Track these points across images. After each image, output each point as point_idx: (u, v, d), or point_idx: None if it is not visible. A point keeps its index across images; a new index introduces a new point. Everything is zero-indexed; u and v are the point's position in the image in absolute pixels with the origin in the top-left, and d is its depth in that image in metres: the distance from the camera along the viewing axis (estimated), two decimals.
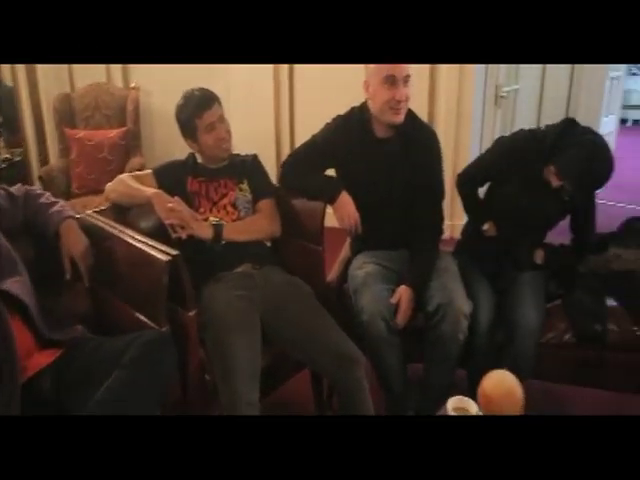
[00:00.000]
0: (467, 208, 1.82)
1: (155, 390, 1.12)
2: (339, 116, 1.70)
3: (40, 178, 2.98)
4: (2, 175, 2.96)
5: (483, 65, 3.03)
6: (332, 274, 1.82)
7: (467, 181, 1.79)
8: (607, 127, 4.17)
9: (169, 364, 1.16)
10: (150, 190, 1.57)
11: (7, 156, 3.05)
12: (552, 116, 4.05)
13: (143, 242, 1.31)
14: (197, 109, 1.58)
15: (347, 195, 1.62)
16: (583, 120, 4.03)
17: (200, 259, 1.60)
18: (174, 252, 1.25)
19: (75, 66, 3.29)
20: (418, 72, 2.85)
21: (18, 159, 3.15)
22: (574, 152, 1.52)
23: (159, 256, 1.23)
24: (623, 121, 7.49)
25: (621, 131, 5.50)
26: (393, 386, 1.62)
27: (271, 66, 3.16)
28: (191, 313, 1.31)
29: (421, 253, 1.67)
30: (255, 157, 1.76)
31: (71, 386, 1.15)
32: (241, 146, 3.26)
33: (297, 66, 3.15)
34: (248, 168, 1.72)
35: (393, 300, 1.57)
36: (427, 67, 2.93)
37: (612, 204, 4.06)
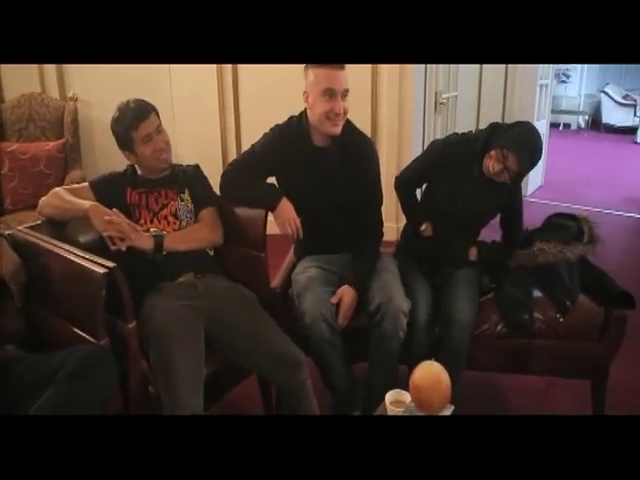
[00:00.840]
0: (405, 210, 1.91)
1: (92, 405, 1.11)
2: (277, 125, 1.74)
3: None
4: None
5: (422, 73, 3.17)
6: (277, 279, 1.85)
7: (404, 183, 1.87)
8: (539, 130, 4.44)
9: (107, 378, 1.15)
10: (86, 203, 1.55)
11: None
12: (490, 121, 4.28)
13: (79, 256, 1.30)
14: (133, 121, 1.57)
15: (287, 202, 1.66)
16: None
17: (141, 270, 1.59)
18: (110, 264, 1.24)
19: (5, 76, 3.16)
20: (361, 80, 2.96)
21: None
22: (515, 130, 1.64)
23: (95, 269, 1.22)
24: (556, 125, 8.01)
25: (553, 134, 5.87)
26: (338, 386, 1.67)
27: (214, 67, 3.15)
28: (130, 325, 1.30)
29: (362, 255, 1.74)
30: (197, 167, 1.77)
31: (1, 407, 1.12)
32: (187, 152, 3.25)
33: (241, 69, 3.16)
34: (189, 178, 1.73)
35: (334, 300, 1.62)
36: (369, 76, 3.02)
37: (544, 202, 4.33)
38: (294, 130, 1.70)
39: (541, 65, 4.15)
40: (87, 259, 1.27)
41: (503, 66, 4.10)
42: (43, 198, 1.63)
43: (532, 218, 1.97)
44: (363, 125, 2.99)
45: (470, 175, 1.71)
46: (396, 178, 1.88)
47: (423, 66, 3.15)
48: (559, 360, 1.69)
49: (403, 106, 3.07)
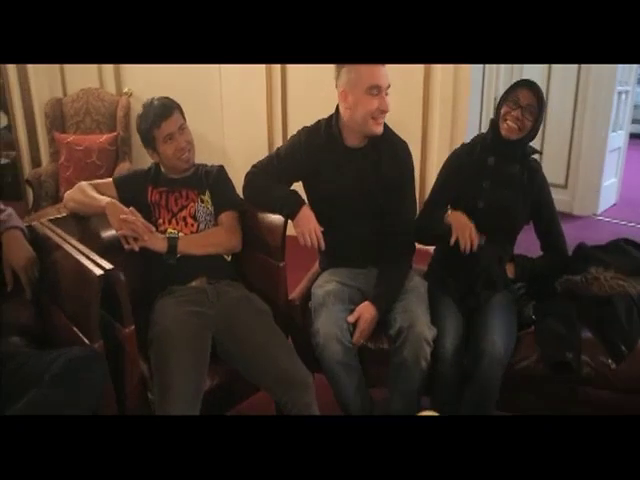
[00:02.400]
0: (433, 240, 1.74)
1: (75, 410, 1.07)
2: (305, 128, 1.65)
3: (27, 182, 2.98)
4: None
5: (480, 76, 2.96)
6: (297, 290, 1.75)
7: (424, 224, 1.67)
8: (615, 142, 4.04)
9: (94, 383, 1.10)
10: (105, 199, 1.53)
11: None
12: (558, 131, 3.94)
13: (83, 254, 1.27)
14: (155, 119, 1.54)
15: (308, 210, 1.56)
16: (589, 135, 3.89)
17: (154, 271, 1.56)
18: (108, 266, 1.20)
19: (68, 71, 3.31)
20: (412, 78, 2.79)
21: (5, 162, 3.16)
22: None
23: (93, 269, 1.18)
24: (637, 136, 7.30)
25: (632, 146, 5.34)
26: (350, 410, 1.54)
27: (264, 69, 3.12)
28: (128, 329, 1.25)
29: (389, 271, 1.60)
30: (220, 168, 1.71)
31: None
32: (235, 153, 3.23)
33: (290, 68, 3.10)
34: (212, 179, 1.67)
35: (351, 319, 1.50)
36: (422, 74, 2.84)
37: (617, 222, 3.92)
38: (324, 132, 1.61)
39: (620, 66, 3.73)
40: (89, 258, 1.24)
41: (574, 68, 3.73)
42: (68, 192, 1.64)
43: (602, 240, 1.75)
44: (413, 130, 2.90)
45: (487, 169, 1.59)
46: (416, 220, 1.68)
47: (481, 68, 2.93)
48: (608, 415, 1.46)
49: (457, 112, 2.86)
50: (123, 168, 2.98)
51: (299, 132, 1.65)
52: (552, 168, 3.93)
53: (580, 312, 1.52)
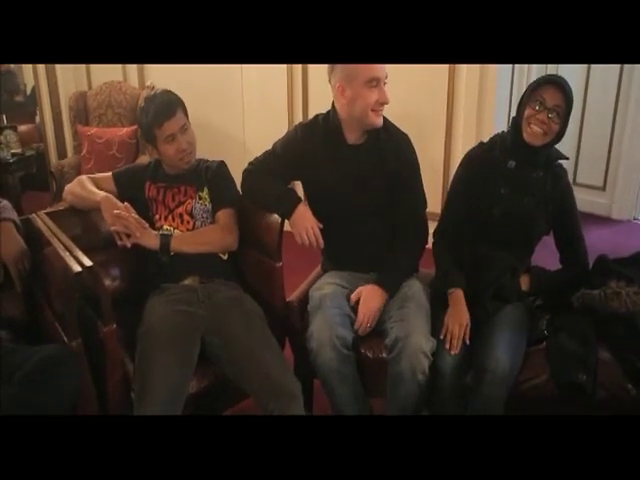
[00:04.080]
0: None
1: (45, 410, 1.04)
2: (301, 124, 1.58)
3: (51, 173, 3.04)
4: (12, 169, 3.04)
5: (509, 75, 2.80)
6: (297, 292, 1.69)
7: (440, 236, 1.59)
8: None
9: (66, 382, 1.08)
10: (100, 194, 1.51)
11: (17, 151, 3.12)
12: (596, 134, 3.68)
13: (68, 249, 1.25)
14: (157, 118, 1.48)
15: (305, 208, 1.49)
16: (631, 135, 3.62)
17: (147, 269, 1.53)
18: (88, 263, 1.17)
19: (93, 65, 3.35)
20: (437, 74, 2.67)
21: (31, 154, 3.23)
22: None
23: (72, 266, 1.16)
24: None
25: None
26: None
27: (284, 67, 3.07)
28: (108, 328, 1.22)
29: (399, 252, 1.54)
30: (221, 163, 1.66)
31: None
32: (256, 150, 3.20)
33: (311, 67, 3.04)
34: (211, 175, 1.62)
35: (353, 297, 1.46)
36: (446, 70, 2.71)
37: None
38: (322, 128, 1.53)
39: None
40: (72, 254, 1.21)
41: (616, 68, 3.47)
42: (68, 185, 1.62)
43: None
44: (437, 127, 2.77)
45: (506, 174, 1.46)
46: (433, 234, 1.60)
47: (509, 67, 2.76)
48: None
49: (482, 108, 2.70)
50: (142, 161, 2.99)
51: (295, 127, 1.58)
52: (589, 169, 3.70)
53: (598, 329, 1.39)
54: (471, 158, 1.57)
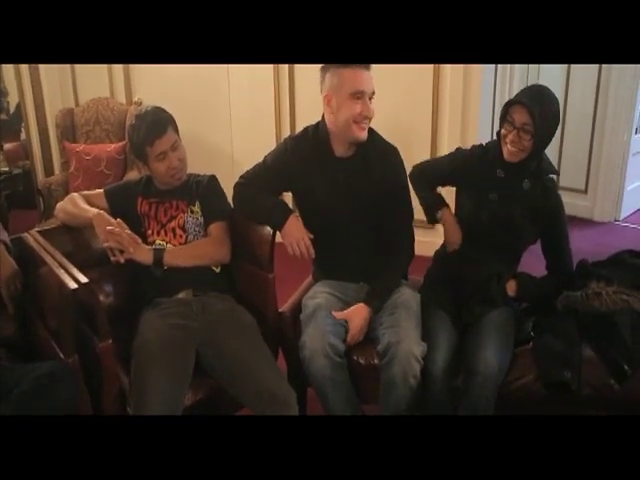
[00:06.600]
0: (421, 201, 1.70)
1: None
2: (291, 136, 1.62)
3: (38, 191, 3.04)
4: (0, 188, 3.03)
5: (492, 77, 2.86)
6: (289, 302, 1.72)
7: (419, 171, 1.69)
8: (639, 145, 3.86)
9: (63, 399, 1.09)
10: (92, 211, 1.53)
11: (5, 169, 3.12)
12: (577, 135, 3.78)
13: (62, 267, 1.26)
14: (148, 136, 1.50)
15: (296, 220, 1.53)
16: (610, 138, 3.70)
17: (141, 284, 1.55)
18: (84, 280, 1.19)
19: (79, 81, 3.36)
20: (421, 78, 2.72)
21: (18, 172, 3.23)
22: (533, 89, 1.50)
23: (68, 283, 1.18)
24: None
25: None
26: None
27: (271, 77, 3.10)
28: (104, 343, 1.24)
29: (385, 270, 1.57)
30: (211, 178, 1.69)
31: None
32: (243, 155, 3.20)
33: (297, 74, 3.07)
34: (202, 190, 1.65)
35: (338, 315, 1.48)
36: (431, 74, 2.77)
37: None
38: (311, 141, 1.57)
39: None
40: (67, 272, 1.23)
41: (595, 68, 3.56)
42: (60, 202, 1.64)
43: (624, 246, 1.68)
44: (423, 132, 2.82)
45: (495, 182, 1.51)
46: (413, 167, 1.69)
47: (492, 68, 2.82)
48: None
49: (467, 113, 2.76)
50: (131, 177, 3.00)
51: (285, 140, 1.62)
52: (571, 173, 3.78)
53: (581, 329, 1.44)
54: (464, 156, 1.62)
